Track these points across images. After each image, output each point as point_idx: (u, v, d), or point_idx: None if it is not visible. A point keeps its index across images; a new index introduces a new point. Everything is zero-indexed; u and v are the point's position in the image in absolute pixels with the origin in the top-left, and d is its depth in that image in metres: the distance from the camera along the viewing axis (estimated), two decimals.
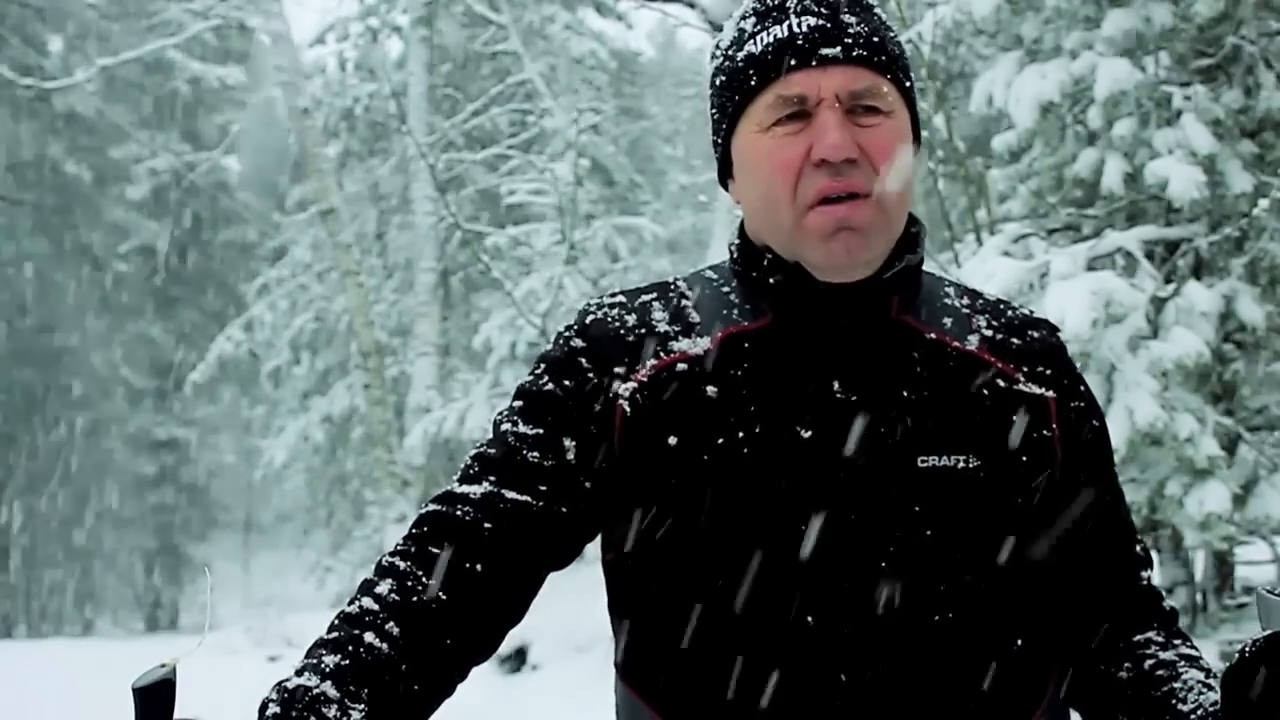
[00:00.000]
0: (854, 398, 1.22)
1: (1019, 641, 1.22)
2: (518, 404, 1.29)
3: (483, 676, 1.27)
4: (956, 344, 1.28)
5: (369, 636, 1.12)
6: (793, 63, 1.21)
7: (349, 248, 12.90)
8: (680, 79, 23.36)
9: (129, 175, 23.71)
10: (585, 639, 8.83)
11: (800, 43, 1.22)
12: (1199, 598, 6.90)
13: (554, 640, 9.09)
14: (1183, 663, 1.23)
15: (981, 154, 7.49)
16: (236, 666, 9.34)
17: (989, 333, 1.30)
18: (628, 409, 1.23)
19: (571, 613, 8.02)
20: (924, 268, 1.34)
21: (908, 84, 1.27)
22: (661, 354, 1.26)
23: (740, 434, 1.20)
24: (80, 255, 24.53)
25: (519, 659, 9.41)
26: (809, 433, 1.20)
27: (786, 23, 1.23)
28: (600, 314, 1.31)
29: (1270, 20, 5.94)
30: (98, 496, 25.44)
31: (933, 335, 1.27)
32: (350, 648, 1.11)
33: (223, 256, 26.80)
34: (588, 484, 1.24)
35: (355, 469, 18.71)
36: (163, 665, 1.00)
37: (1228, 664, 1.03)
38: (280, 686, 1.07)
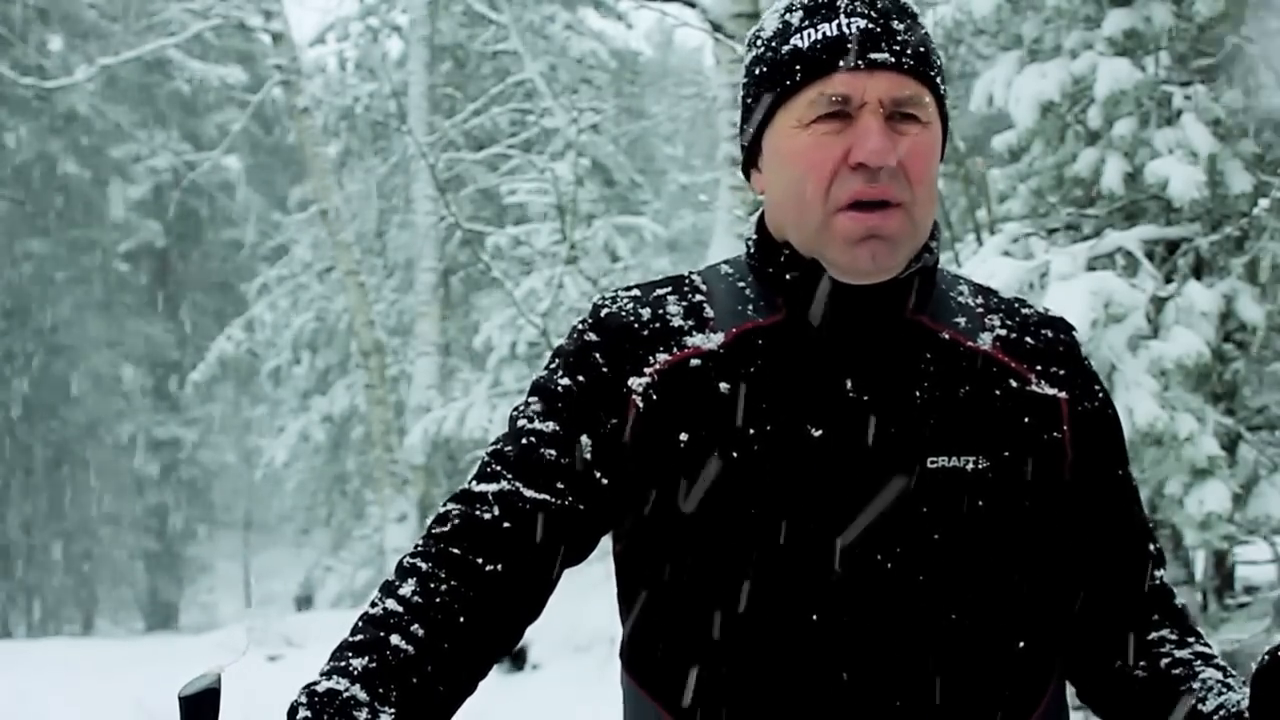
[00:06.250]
0: (866, 397, 1.22)
1: (1021, 643, 1.22)
2: (533, 400, 1.29)
3: None
4: (970, 343, 1.27)
5: (395, 639, 1.13)
6: (840, 63, 1.20)
7: (349, 247, 12.90)
8: (680, 79, 23.35)
9: (129, 175, 23.71)
10: (585, 639, 8.83)
11: (850, 44, 1.21)
12: (1199, 598, 6.89)
13: (554, 640, 9.08)
14: (1199, 661, 1.22)
15: (981, 154, 7.49)
16: (236, 666, 9.32)
17: (1003, 332, 1.30)
18: (640, 404, 1.24)
19: (571, 613, 8.02)
20: (936, 270, 1.34)
21: (945, 97, 1.27)
22: (675, 349, 1.26)
23: (751, 431, 1.20)
24: (80, 255, 24.52)
25: (519, 659, 9.40)
26: (819, 431, 1.20)
27: (836, 22, 1.22)
28: (614, 308, 1.31)
29: (1270, 20, 5.94)
30: (98, 496, 25.42)
31: (946, 335, 1.27)
32: (377, 650, 1.12)
33: (223, 256, 26.79)
34: (604, 480, 1.24)
35: (355, 469, 18.71)
36: (207, 674, 1.01)
37: (1257, 664, 1.02)
38: (309, 690, 1.08)
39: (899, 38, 1.22)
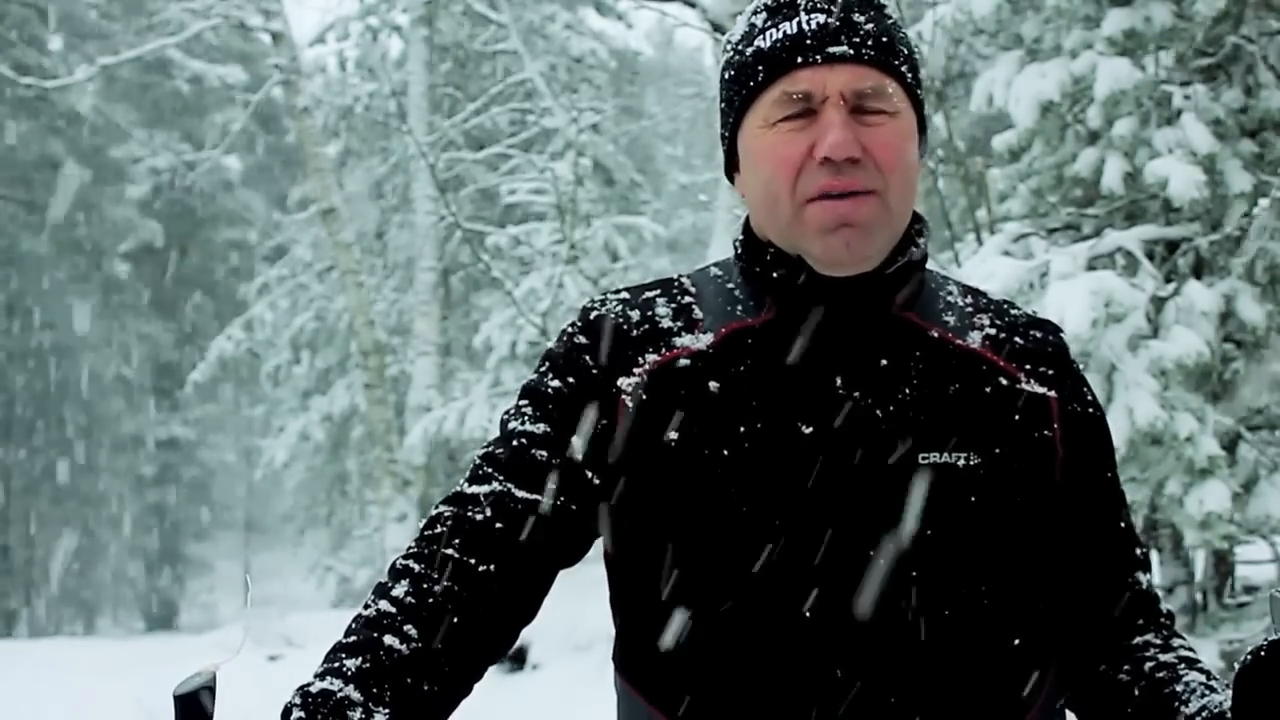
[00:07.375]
0: (856, 394, 1.21)
1: (1016, 641, 1.22)
2: (524, 403, 1.29)
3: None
4: (959, 341, 1.28)
5: (389, 639, 1.13)
6: (799, 59, 1.22)
7: (349, 247, 12.89)
8: (680, 79, 23.37)
9: (129, 175, 23.70)
10: (585, 639, 8.83)
11: (808, 40, 1.22)
12: (1199, 598, 6.89)
13: (554, 640, 9.09)
14: (1183, 665, 1.22)
15: (981, 154, 7.49)
16: (236, 665, 9.32)
17: (992, 331, 1.30)
18: (630, 404, 1.24)
19: (571, 613, 8.01)
20: (925, 267, 1.34)
21: (916, 84, 1.27)
22: (664, 349, 1.26)
23: (741, 429, 1.20)
24: (80, 255, 24.51)
25: (519, 659, 9.40)
26: (810, 429, 1.20)
27: (796, 19, 1.23)
28: (604, 310, 1.31)
29: (1270, 20, 5.94)
30: (98, 496, 25.43)
31: (935, 333, 1.27)
32: (371, 651, 1.12)
33: (223, 256, 26.79)
34: (595, 480, 1.24)
35: (355, 469, 18.70)
36: (202, 672, 1.01)
37: (1239, 664, 1.02)
38: (303, 691, 1.08)
39: (859, 30, 1.22)
